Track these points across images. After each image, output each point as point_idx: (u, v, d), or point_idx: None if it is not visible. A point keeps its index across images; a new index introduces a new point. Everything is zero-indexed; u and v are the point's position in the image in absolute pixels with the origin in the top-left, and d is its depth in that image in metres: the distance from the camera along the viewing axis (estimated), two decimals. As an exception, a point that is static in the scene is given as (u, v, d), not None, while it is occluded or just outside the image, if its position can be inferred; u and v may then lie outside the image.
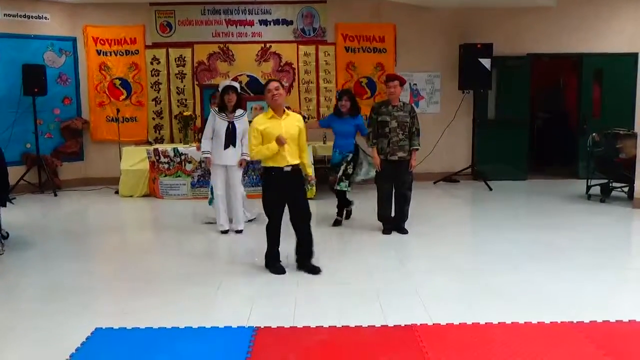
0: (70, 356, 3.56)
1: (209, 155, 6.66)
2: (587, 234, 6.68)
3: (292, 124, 5.19)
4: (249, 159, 6.45)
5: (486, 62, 9.85)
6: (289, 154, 5.11)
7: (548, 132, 12.27)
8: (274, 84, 5.15)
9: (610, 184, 8.58)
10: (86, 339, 3.82)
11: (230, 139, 6.57)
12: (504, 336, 3.84)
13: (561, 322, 4.01)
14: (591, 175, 8.74)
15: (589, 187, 8.73)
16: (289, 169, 5.11)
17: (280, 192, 5.15)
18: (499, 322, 4.02)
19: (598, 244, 6.22)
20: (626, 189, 8.45)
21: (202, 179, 8.72)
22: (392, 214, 6.73)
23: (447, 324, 4.02)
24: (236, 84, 6.86)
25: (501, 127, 10.42)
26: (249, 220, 7.14)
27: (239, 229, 6.81)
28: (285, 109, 5.28)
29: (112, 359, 3.58)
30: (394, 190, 6.68)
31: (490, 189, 9.60)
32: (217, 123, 6.60)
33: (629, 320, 4.03)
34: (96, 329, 3.96)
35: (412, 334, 3.87)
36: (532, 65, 10.50)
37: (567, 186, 9.76)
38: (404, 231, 6.70)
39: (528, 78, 10.45)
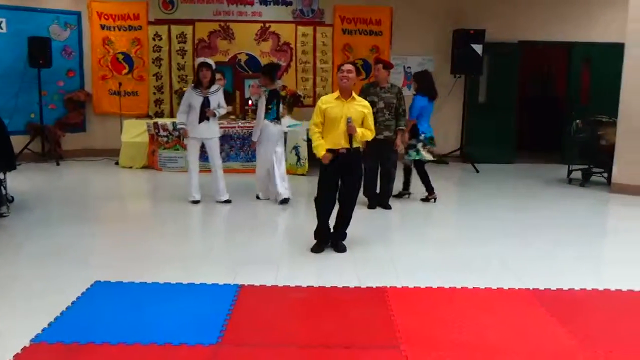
0: (72, 303, 3.96)
1: (184, 127, 7.04)
2: (561, 214, 7.09)
3: (355, 108, 5.17)
4: (217, 113, 7.01)
5: (478, 48, 10.16)
6: (344, 137, 5.10)
7: (536, 118, 12.60)
8: (347, 66, 5.21)
9: (591, 169, 8.94)
10: (86, 289, 4.21)
11: (205, 113, 6.94)
12: (465, 299, 4.24)
13: (518, 288, 4.41)
14: (573, 161, 9.10)
15: (570, 172, 9.09)
16: (344, 151, 5.12)
17: (334, 170, 5.16)
18: (461, 287, 4.41)
19: (568, 223, 6.62)
20: (605, 175, 8.81)
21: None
22: (377, 190, 7.11)
23: (414, 287, 4.41)
24: (211, 61, 7.17)
25: (491, 111, 10.77)
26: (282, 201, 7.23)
27: (223, 199, 7.17)
28: (353, 93, 5.26)
29: (109, 308, 3.96)
30: (380, 169, 7.05)
31: (477, 171, 9.96)
32: (192, 98, 6.95)
33: (580, 289, 4.42)
34: (95, 282, 4.36)
35: (382, 294, 4.25)
36: (522, 52, 10.80)
37: (551, 170, 10.13)
38: (387, 207, 7.07)
39: (517, 64, 10.76)
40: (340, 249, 5.31)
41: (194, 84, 7.07)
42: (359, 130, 5.15)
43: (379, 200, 7.09)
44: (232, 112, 9.83)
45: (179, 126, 7.17)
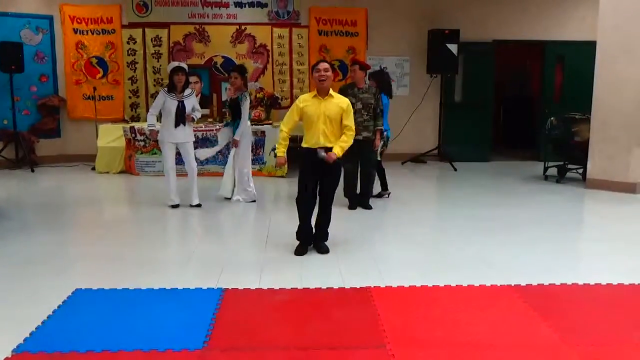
0: (53, 312, 3.90)
1: (153, 128, 6.99)
2: (539, 210, 7.19)
3: (333, 106, 5.12)
4: (195, 118, 7.04)
5: (453, 48, 10.26)
6: (323, 136, 5.08)
7: (512, 116, 12.77)
8: (324, 65, 5.15)
9: (566, 166, 9.08)
10: (67, 297, 4.16)
11: (180, 117, 6.90)
12: (448, 297, 4.27)
13: (500, 285, 4.46)
14: (548, 157, 9.24)
15: (546, 169, 9.23)
16: (322, 150, 5.08)
17: (312, 170, 5.14)
18: (444, 285, 4.45)
19: (546, 219, 6.71)
20: (580, 171, 8.96)
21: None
22: (357, 191, 7.13)
23: (398, 286, 4.43)
24: (184, 65, 7.16)
25: (467, 110, 10.89)
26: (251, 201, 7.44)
27: (195, 203, 7.14)
28: (331, 91, 5.20)
29: (91, 316, 3.91)
30: (360, 170, 7.07)
31: (455, 170, 10.06)
32: (167, 102, 6.90)
33: (561, 284, 4.49)
34: (76, 289, 4.30)
35: (366, 294, 4.27)
36: (497, 51, 10.93)
37: (527, 167, 10.28)
38: (368, 207, 7.10)
39: (493, 63, 10.90)
40: (323, 249, 5.30)
41: (167, 87, 7.01)
42: (337, 149, 5.10)
43: (359, 201, 7.11)
44: (210, 115, 9.80)
45: (149, 127, 7.08)
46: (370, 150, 6.96)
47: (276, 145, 5.33)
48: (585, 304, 4.20)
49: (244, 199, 7.38)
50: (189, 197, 7.16)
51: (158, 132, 7.01)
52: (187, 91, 7.02)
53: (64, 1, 10.42)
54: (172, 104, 6.89)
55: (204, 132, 8.91)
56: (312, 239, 5.35)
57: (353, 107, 6.67)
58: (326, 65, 5.17)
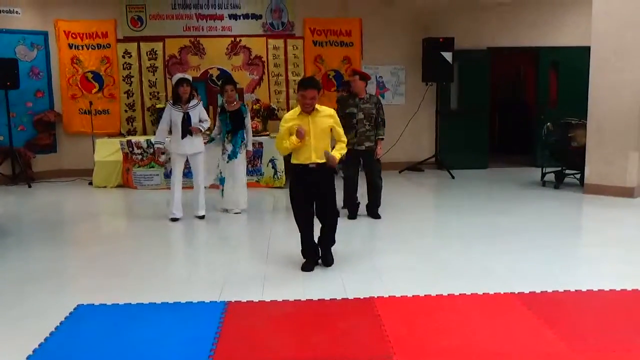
0: (55, 328, 3.88)
1: (160, 146, 7.04)
2: (537, 216, 7.19)
3: (321, 119, 4.95)
4: (202, 129, 7.03)
5: (448, 56, 10.29)
6: (314, 151, 4.90)
7: (508, 123, 12.81)
8: (310, 93, 4.82)
9: (564, 171, 9.10)
10: (69, 314, 4.13)
11: (187, 128, 6.90)
12: (452, 306, 4.26)
13: (504, 292, 4.45)
14: (546, 163, 9.26)
15: (543, 175, 9.25)
16: (314, 166, 4.92)
17: (306, 188, 4.98)
18: (448, 294, 4.43)
19: (545, 225, 6.71)
20: (578, 176, 8.98)
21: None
22: (357, 201, 7.13)
23: (401, 296, 4.42)
24: (189, 77, 7.17)
25: (463, 118, 10.91)
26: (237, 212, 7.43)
27: (199, 214, 7.14)
28: (316, 105, 4.96)
29: (94, 332, 3.88)
30: (367, 180, 7.06)
31: (453, 177, 10.07)
32: (173, 115, 6.92)
33: (564, 290, 4.48)
34: (78, 305, 4.27)
35: (370, 305, 4.25)
36: (492, 59, 10.98)
37: (524, 174, 10.30)
38: (377, 216, 7.08)
39: (488, 71, 10.94)
40: (330, 261, 5.19)
41: (172, 100, 7.02)
42: (337, 155, 4.98)
43: (369, 211, 7.12)
44: (207, 127, 9.78)
45: (155, 145, 7.10)
46: (374, 160, 6.95)
47: (286, 145, 4.92)
48: (589, 310, 4.18)
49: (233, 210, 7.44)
50: (195, 208, 7.15)
51: (164, 148, 7.03)
52: (193, 102, 7.02)
53: (58, 17, 10.43)
54: (178, 116, 6.89)
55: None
56: (317, 254, 5.24)
57: (354, 118, 6.79)
58: (313, 93, 4.83)
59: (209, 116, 7.31)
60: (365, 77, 6.99)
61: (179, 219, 7.07)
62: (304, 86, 4.88)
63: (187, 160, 7.11)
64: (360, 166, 7.05)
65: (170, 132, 7.03)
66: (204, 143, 7.20)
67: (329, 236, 5.24)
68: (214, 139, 7.45)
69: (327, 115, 5.02)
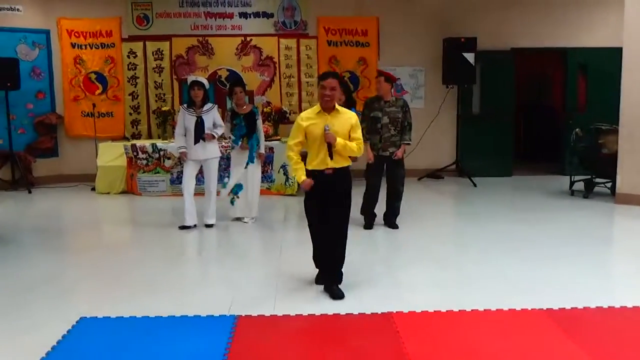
0: (57, 342, 3.88)
1: (184, 150, 7.00)
2: (565, 227, 7.13)
3: (341, 122, 4.76)
4: (216, 135, 7.02)
5: (470, 57, 10.26)
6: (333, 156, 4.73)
7: (534, 128, 12.73)
8: (330, 82, 4.67)
9: (593, 180, 9.02)
10: (72, 327, 4.14)
11: (200, 133, 6.93)
12: (477, 322, 4.22)
13: (531, 308, 4.40)
14: (574, 171, 9.19)
15: (572, 183, 9.18)
16: (330, 171, 4.74)
17: (320, 197, 4.78)
18: (472, 310, 4.40)
19: (574, 237, 6.65)
20: (609, 185, 8.90)
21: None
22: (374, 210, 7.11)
23: (422, 311, 4.39)
24: (203, 79, 7.20)
25: (486, 122, 10.86)
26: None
27: (209, 223, 7.16)
28: (336, 105, 4.82)
29: (97, 346, 3.89)
30: (387, 186, 7.04)
31: (475, 185, 10.02)
32: (186, 119, 6.95)
33: (596, 307, 4.43)
34: (81, 318, 4.28)
35: (388, 321, 4.23)
36: (516, 60, 10.94)
37: (551, 182, 10.23)
38: (394, 226, 7.05)
39: (512, 72, 10.90)
40: (336, 294, 4.75)
41: (187, 103, 7.06)
42: (340, 141, 4.68)
43: (386, 220, 7.11)
44: (221, 134, 9.80)
45: (178, 150, 7.12)
46: (398, 167, 6.93)
47: (293, 174, 4.86)
48: (622, 328, 4.12)
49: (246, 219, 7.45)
50: (205, 215, 7.17)
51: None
52: (207, 106, 7.06)
53: (61, 14, 10.52)
54: (190, 120, 6.93)
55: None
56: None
57: (379, 122, 6.78)
58: (333, 82, 4.68)
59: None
60: (391, 79, 6.94)
61: (189, 227, 7.07)
62: (324, 76, 4.79)
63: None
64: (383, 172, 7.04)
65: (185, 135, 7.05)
66: (225, 150, 7.16)
67: (337, 262, 4.89)
68: (236, 144, 7.34)
69: (349, 117, 4.85)
